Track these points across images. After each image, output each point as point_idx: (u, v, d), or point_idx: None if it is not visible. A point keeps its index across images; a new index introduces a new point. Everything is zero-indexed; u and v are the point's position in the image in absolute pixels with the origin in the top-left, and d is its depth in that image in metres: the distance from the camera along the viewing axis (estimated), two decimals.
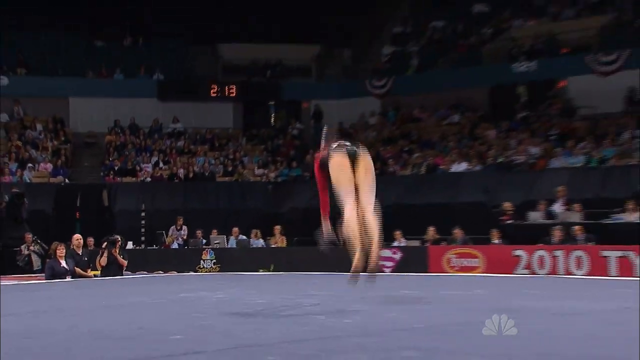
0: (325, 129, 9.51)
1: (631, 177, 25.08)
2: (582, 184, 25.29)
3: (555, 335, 6.66)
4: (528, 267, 20.94)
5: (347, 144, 9.05)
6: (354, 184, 8.69)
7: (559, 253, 20.72)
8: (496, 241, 22.74)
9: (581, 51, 31.80)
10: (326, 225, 8.98)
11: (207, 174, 32.69)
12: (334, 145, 9.02)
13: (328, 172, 8.79)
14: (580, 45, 32.24)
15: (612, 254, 20.12)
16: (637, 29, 31.79)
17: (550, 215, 23.32)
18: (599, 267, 19.95)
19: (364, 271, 8.64)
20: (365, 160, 8.89)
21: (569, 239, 21.22)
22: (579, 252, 20.49)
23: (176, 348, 5.92)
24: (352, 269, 8.44)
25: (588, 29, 33.03)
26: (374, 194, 8.90)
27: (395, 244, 23.52)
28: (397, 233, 23.96)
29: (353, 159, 8.76)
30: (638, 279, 17.84)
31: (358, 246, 8.43)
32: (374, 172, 9.03)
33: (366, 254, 8.50)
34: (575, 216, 22.57)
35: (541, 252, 21.04)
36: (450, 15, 37.21)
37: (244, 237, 26.24)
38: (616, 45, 31.34)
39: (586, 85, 31.07)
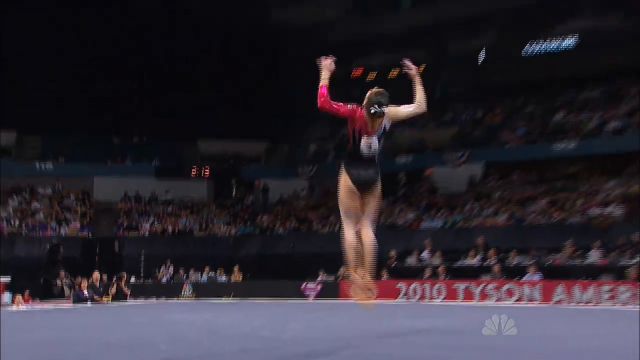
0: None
1: (472, 234, 25.49)
2: (441, 239, 25.63)
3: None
4: (406, 295, 21.16)
5: (361, 170, 6.25)
6: (358, 211, 6.30)
7: (426, 285, 20.94)
8: (384, 277, 22.88)
9: (440, 150, 32.38)
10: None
11: (187, 230, 32.57)
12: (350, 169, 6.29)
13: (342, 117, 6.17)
14: (438, 147, 32.82)
15: (460, 286, 20.38)
16: (474, 137, 32.66)
17: (420, 260, 23.62)
18: (452, 295, 20.23)
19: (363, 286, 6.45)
20: (375, 191, 6.39)
21: (434, 276, 21.48)
22: (439, 285, 20.73)
23: (162, 355, 5.98)
24: (354, 288, 6.34)
25: (443, 136, 33.74)
26: (375, 218, 6.61)
27: (319, 279, 23.55)
28: (320, 272, 24.08)
29: (364, 188, 6.25)
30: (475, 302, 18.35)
31: (354, 266, 6.37)
32: (379, 200, 6.58)
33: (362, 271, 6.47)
34: (437, 260, 22.86)
35: (415, 285, 21.22)
36: None
37: (213, 273, 26.16)
38: (460, 147, 32.03)
39: (443, 173, 31.64)
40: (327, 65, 6.13)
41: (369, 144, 6.05)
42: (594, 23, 33.99)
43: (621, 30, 33.42)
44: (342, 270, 23.65)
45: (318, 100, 5.99)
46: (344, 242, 6.39)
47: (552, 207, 27.34)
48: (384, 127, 6.20)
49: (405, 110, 6.52)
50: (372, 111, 6.10)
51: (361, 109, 6.15)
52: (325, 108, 6.02)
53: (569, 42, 33.65)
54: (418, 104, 6.55)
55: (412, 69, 6.46)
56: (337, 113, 6.06)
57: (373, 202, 6.36)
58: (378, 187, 6.35)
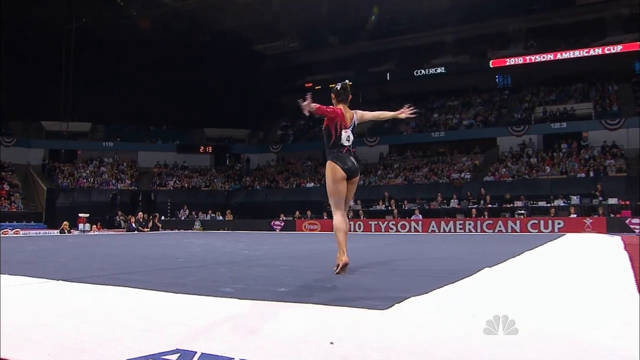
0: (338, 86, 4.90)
1: (380, 190, 25.79)
2: (361, 193, 25.79)
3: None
4: None
5: (349, 161, 4.76)
6: (344, 197, 4.79)
7: (351, 222, 21.06)
8: (325, 217, 22.98)
9: (361, 136, 32.43)
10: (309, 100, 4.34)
11: (197, 186, 32.27)
12: (340, 153, 4.78)
13: (330, 116, 4.73)
14: (360, 134, 32.75)
15: (373, 222, 20.66)
16: (383, 128, 32.76)
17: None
18: (367, 228, 20.47)
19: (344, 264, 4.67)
20: (356, 180, 4.90)
21: (356, 216, 21.61)
22: (359, 222, 20.95)
23: (180, 263, 6.01)
24: (339, 266, 4.64)
25: (363, 126, 33.74)
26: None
27: (282, 218, 23.56)
28: (284, 215, 24.05)
29: (351, 177, 4.80)
30: (382, 233, 18.51)
31: (343, 249, 4.68)
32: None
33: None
34: (359, 206, 23.06)
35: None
36: (307, 119, 37.60)
37: (213, 215, 26.07)
38: (374, 134, 32.19)
39: (363, 150, 31.76)
40: (306, 105, 4.41)
41: (348, 135, 4.82)
42: (453, 59, 34.59)
43: (468, 64, 34.22)
44: (297, 212, 23.76)
45: (317, 110, 4.55)
46: (336, 228, 4.73)
47: (429, 173, 27.82)
48: (354, 123, 4.92)
49: (369, 114, 5.19)
50: (344, 85, 4.92)
51: (339, 108, 4.85)
52: (321, 111, 4.61)
53: (440, 70, 34.06)
54: (381, 113, 5.30)
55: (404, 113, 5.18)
56: (328, 112, 4.69)
57: (353, 189, 4.88)
58: (358, 177, 4.93)
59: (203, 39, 33.95)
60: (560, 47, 31.18)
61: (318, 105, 4.61)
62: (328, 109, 4.74)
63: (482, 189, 22.68)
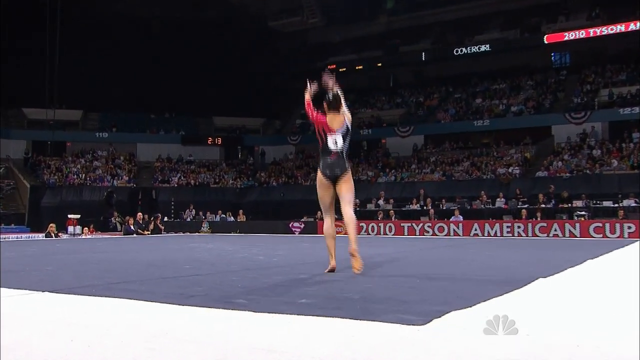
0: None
1: (415, 187, 25.66)
2: (392, 190, 25.75)
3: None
4: (366, 231, 21.18)
5: (332, 166, 5.55)
6: (333, 201, 5.75)
7: (381, 224, 20.98)
8: None
9: (392, 125, 32.40)
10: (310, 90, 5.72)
11: (205, 183, 32.47)
12: (321, 163, 5.62)
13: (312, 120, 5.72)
14: (391, 122, 32.84)
15: (406, 225, 20.51)
16: (417, 116, 32.65)
17: (377, 205, 23.58)
18: (399, 231, 20.33)
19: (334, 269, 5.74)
20: (345, 178, 5.60)
21: (386, 217, 21.47)
22: (390, 224, 20.82)
23: (186, 271, 6.04)
24: (328, 269, 5.73)
25: (395, 114, 33.75)
26: (353, 201, 5.72)
27: (302, 219, 23.50)
28: (304, 215, 23.98)
29: (334, 180, 5.58)
30: (416, 236, 18.44)
31: (332, 253, 5.80)
32: (352, 185, 5.66)
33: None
34: (389, 206, 22.90)
35: (372, 224, 21.26)
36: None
37: (223, 215, 26.18)
38: (407, 123, 32.06)
39: (395, 142, 31.77)
40: (309, 89, 5.68)
41: (334, 140, 5.57)
42: (500, 36, 34.26)
43: (518, 40, 33.84)
44: (319, 213, 23.73)
45: (307, 106, 5.62)
46: (325, 234, 5.87)
47: (472, 167, 27.63)
48: (347, 126, 5.67)
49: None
50: (335, 94, 5.71)
51: (321, 114, 5.69)
52: (306, 112, 5.62)
53: (484, 48, 33.71)
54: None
55: None
56: (309, 115, 5.66)
57: (346, 186, 5.63)
58: (348, 175, 5.66)
59: (210, 14, 34.09)
60: (634, 15, 29.71)
61: (309, 102, 5.60)
62: (310, 113, 5.60)
63: (552, 186, 22.11)
